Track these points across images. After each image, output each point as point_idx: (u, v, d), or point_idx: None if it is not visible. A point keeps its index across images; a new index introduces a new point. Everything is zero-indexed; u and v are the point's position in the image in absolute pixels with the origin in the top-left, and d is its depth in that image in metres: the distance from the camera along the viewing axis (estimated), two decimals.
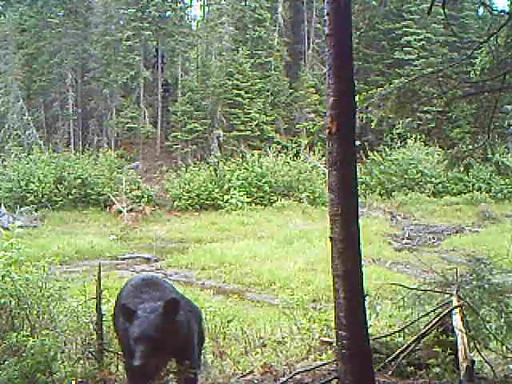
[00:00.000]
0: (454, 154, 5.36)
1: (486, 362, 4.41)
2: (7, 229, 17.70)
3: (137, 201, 26.82)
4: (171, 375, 3.75)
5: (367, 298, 4.40)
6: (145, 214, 26.10)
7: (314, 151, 31.36)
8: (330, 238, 3.32)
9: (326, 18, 3.30)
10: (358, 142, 17.73)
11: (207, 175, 28.88)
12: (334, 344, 3.71)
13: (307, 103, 33.98)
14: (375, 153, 31.69)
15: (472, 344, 4.31)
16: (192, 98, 31.97)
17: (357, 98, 4.26)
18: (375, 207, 27.55)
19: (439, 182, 29.64)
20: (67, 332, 5.02)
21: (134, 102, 33.93)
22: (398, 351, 4.36)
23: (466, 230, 22.63)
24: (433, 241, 21.01)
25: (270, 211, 26.59)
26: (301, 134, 32.58)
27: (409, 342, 4.40)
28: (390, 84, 4.84)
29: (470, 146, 5.33)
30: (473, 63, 5.39)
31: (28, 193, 26.37)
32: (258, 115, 31.60)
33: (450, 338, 4.26)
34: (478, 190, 28.61)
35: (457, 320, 4.24)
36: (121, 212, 25.86)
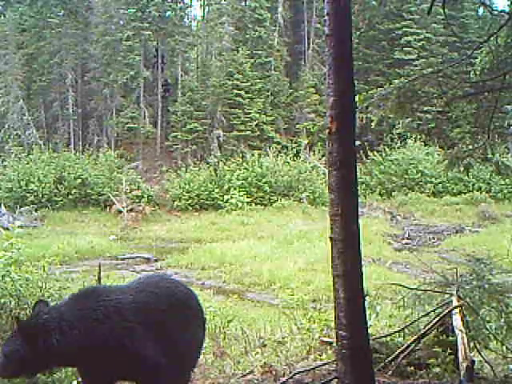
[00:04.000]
0: (454, 154, 5.36)
1: (486, 362, 4.41)
2: (7, 229, 17.68)
3: (137, 201, 26.82)
4: None
5: (367, 298, 4.40)
6: (145, 214, 26.09)
7: (314, 151, 31.38)
8: (330, 238, 3.32)
9: (326, 18, 3.30)
10: (358, 142, 17.73)
11: (207, 175, 28.89)
12: (334, 344, 3.71)
13: (307, 103, 33.97)
14: (375, 153, 31.68)
15: (472, 344, 4.31)
16: (192, 97, 31.98)
17: (357, 98, 4.26)
18: (375, 207, 27.55)
19: (439, 182, 29.64)
20: None
21: (134, 102, 33.94)
22: (398, 351, 4.35)
23: (466, 230, 22.63)
24: (433, 241, 21.01)
25: (270, 211, 26.59)
26: (301, 134, 32.58)
27: (409, 342, 4.40)
28: (390, 84, 4.83)
29: (470, 146, 5.32)
30: (473, 63, 5.39)
31: (28, 193, 26.37)
32: (258, 115, 31.60)
33: (450, 338, 4.26)
34: (478, 190, 28.59)
35: (457, 320, 4.24)
36: (121, 212, 25.86)
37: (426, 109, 5.20)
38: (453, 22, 31.81)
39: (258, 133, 32.00)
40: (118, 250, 19.22)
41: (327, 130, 3.31)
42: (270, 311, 10.02)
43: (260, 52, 34.31)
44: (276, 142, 32.10)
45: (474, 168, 5.61)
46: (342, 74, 3.29)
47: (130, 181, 27.54)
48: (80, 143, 33.48)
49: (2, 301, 4.72)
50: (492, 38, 4.70)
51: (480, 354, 4.44)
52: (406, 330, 4.69)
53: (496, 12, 5.30)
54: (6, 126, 31.09)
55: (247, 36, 34.55)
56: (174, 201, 28.03)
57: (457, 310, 4.32)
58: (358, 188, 3.47)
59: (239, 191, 27.34)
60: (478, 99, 4.97)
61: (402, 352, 4.34)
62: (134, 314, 3.06)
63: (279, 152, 30.46)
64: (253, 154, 29.74)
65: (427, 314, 4.64)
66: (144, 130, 32.74)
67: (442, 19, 30.06)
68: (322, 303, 9.54)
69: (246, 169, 28.95)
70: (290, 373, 4.40)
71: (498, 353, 4.73)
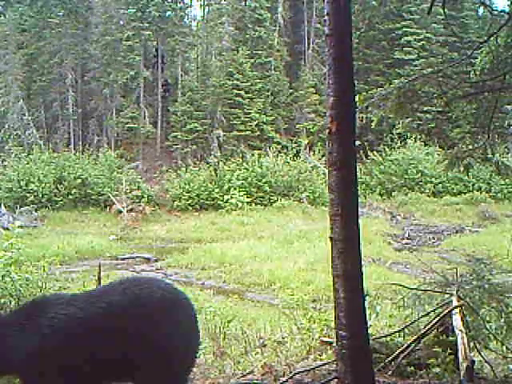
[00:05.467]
0: (454, 154, 5.36)
1: (486, 362, 4.41)
2: (7, 229, 17.68)
3: (137, 201, 26.81)
4: None
5: (367, 298, 4.40)
6: (145, 214, 26.09)
7: (314, 151, 31.38)
8: (330, 238, 3.32)
9: (326, 18, 3.30)
10: (358, 142, 17.73)
11: (207, 175, 28.89)
12: (334, 344, 3.71)
13: (307, 103, 33.97)
14: (375, 153, 31.70)
15: (472, 344, 4.31)
16: (192, 97, 31.98)
17: (357, 98, 4.25)
18: (375, 207, 27.56)
19: (439, 182, 29.66)
20: None
21: (134, 102, 33.94)
22: (398, 351, 4.35)
23: (466, 230, 22.64)
24: (433, 241, 21.02)
25: (270, 211, 26.59)
26: (301, 134, 32.56)
27: (409, 342, 4.40)
28: (390, 84, 4.83)
29: (470, 146, 5.32)
30: (473, 63, 5.39)
31: (28, 193, 26.35)
32: (258, 115, 31.61)
33: (450, 338, 4.26)
34: (478, 190, 28.61)
35: (457, 320, 4.24)
36: (121, 212, 25.85)
37: (426, 109, 5.20)
38: (453, 22, 31.84)
39: (258, 133, 32.00)
40: (117, 250, 19.22)
41: (327, 130, 3.31)
42: (269, 311, 10.02)
43: (260, 52, 34.30)
44: (276, 142, 32.10)
45: (474, 168, 5.61)
46: (342, 73, 3.29)
47: (129, 181, 27.53)
48: (80, 143, 33.46)
49: (2, 301, 4.73)
50: (492, 38, 4.69)
51: (480, 354, 4.43)
52: (406, 330, 4.69)
53: (496, 12, 5.29)
54: (6, 126, 31.06)
55: (247, 36, 34.54)
56: (174, 201, 28.02)
57: (457, 310, 4.32)
58: (358, 188, 3.47)
59: (239, 191, 27.34)
60: (478, 99, 4.97)
61: (402, 352, 4.34)
62: (72, 327, 2.92)
63: (279, 152, 30.46)
64: (253, 154, 29.75)
65: (427, 314, 4.64)
66: (144, 130, 32.73)
67: (442, 19, 30.06)
68: (322, 303, 9.56)
69: (246, 169, 28.96)
70: (290, 373, 4.40)
71: (497, 353, 4.72)
